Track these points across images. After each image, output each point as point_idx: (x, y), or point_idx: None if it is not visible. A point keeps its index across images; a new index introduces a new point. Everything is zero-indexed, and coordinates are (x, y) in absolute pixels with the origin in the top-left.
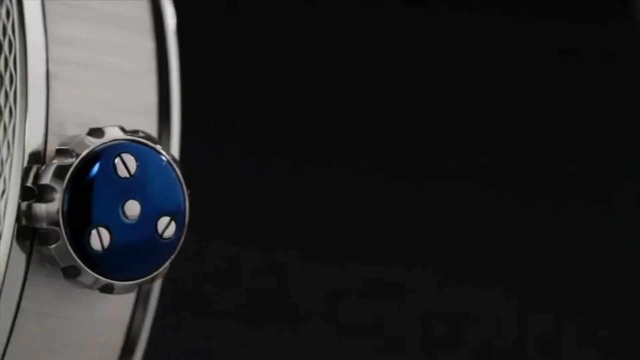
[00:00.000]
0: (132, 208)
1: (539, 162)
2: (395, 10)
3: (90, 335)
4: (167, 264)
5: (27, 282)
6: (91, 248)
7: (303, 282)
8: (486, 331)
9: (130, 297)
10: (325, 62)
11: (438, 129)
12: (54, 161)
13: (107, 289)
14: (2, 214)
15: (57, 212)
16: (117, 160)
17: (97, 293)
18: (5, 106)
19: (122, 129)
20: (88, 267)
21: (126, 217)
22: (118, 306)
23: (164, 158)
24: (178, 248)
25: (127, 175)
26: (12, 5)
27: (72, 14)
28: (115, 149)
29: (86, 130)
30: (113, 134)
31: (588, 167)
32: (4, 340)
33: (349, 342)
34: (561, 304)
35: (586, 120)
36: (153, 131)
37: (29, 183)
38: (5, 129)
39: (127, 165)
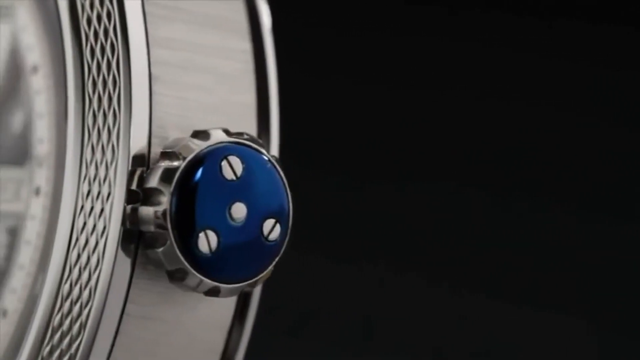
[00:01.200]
0: (239, 210)
1: (549, 166)
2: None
3: (192, 338)
4: (271, 266)
5: (132, 285)
6: (199, 250)
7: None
8: (488, 335)
9: (232, 301)
10: (423, 76)
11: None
12: (160, 164)
13: (213, 292)
14: (107, 217)
15: (165, 215)
16: (224, 163)
17: (198, 296)
18: (109, 109)
19: (227, 131)
20: (195, 270)
21: (233, 219)
22: (219, 309)
23: (268, 160)
24: (282, 250)
25: (234, 178)
26: (113, 8)
27: (171, 16)
28: (221, 152)
29: (187, 132)
30: (218, 136)
31: (593, 170)
32: (109, 343)
33: None
34: (561, 307)
35: (591, 124)
36: (252, 132)
37: (134, 186)
38: (109, 132)
39: (233, 167)
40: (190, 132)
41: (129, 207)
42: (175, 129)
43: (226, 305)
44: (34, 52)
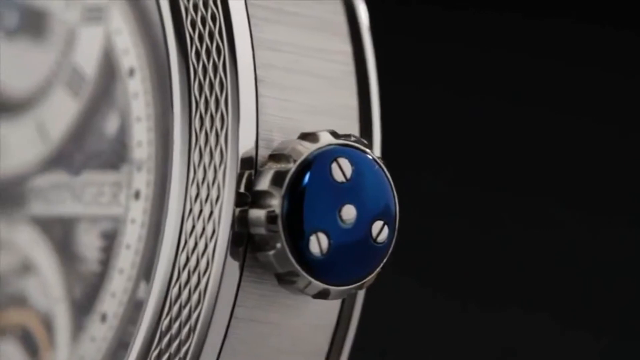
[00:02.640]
0: (349, 212)
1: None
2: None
3: (297, 341)
4: (379, 269)
5: (240, 288)
6: (310, 253)
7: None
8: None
9: (336, 303)
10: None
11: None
12: (270, 166)
13: (322, 295)
14: (217, 220)
15: (277, 217)
16: (334, 165)
17: (304, 297)
18: (216, 112)
19: (334, 133)
20: (306, 272)
21: (343, 221)
22: (324, 311)
23: (375, 161)
24: (389, 252)
25: (344, 180)
26: (218, 10)
27: (274, 18)
28: (331, 154)
29: (291, 134)
30: (327, 138)
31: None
32: (218, 346)
33: None
34: (562, 313)
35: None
36: (355, 134)
37: (242, 189)
38: (217, 135)
39: (343, 169)
40: (294, 134)
41: (237, 210)
42: (280, 131)
43: (330, 308)
44: (130, 56)
